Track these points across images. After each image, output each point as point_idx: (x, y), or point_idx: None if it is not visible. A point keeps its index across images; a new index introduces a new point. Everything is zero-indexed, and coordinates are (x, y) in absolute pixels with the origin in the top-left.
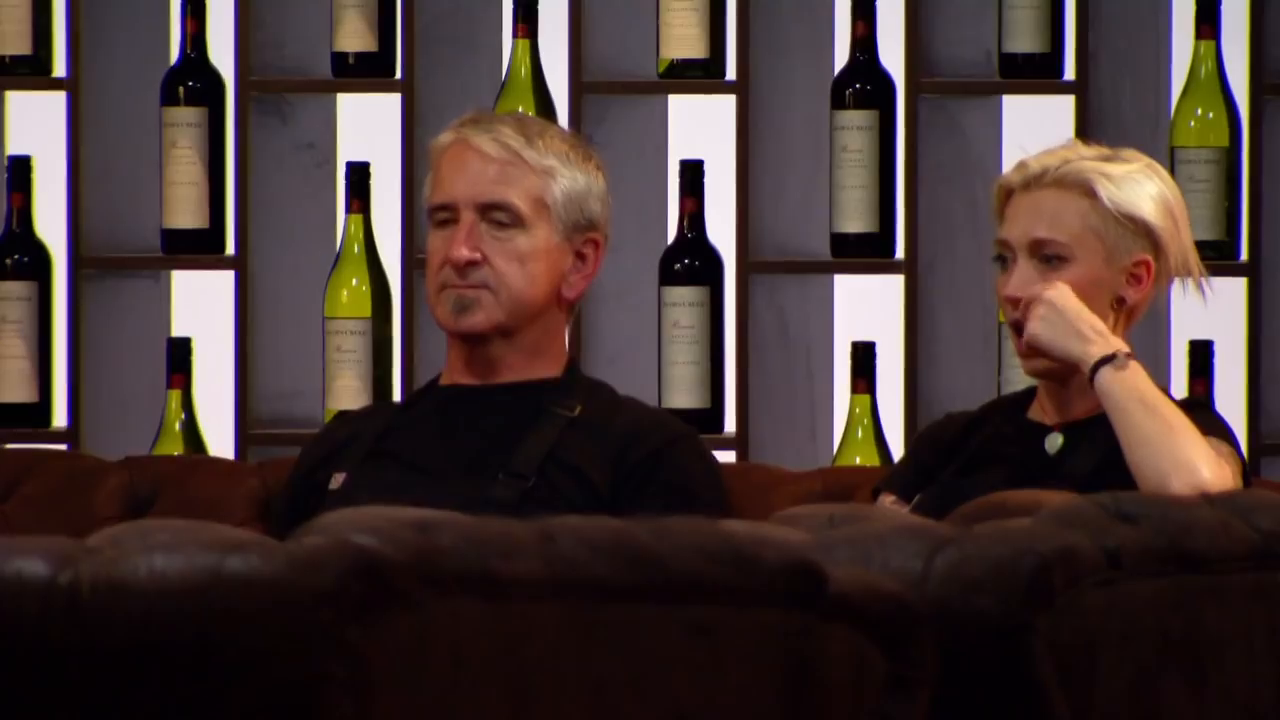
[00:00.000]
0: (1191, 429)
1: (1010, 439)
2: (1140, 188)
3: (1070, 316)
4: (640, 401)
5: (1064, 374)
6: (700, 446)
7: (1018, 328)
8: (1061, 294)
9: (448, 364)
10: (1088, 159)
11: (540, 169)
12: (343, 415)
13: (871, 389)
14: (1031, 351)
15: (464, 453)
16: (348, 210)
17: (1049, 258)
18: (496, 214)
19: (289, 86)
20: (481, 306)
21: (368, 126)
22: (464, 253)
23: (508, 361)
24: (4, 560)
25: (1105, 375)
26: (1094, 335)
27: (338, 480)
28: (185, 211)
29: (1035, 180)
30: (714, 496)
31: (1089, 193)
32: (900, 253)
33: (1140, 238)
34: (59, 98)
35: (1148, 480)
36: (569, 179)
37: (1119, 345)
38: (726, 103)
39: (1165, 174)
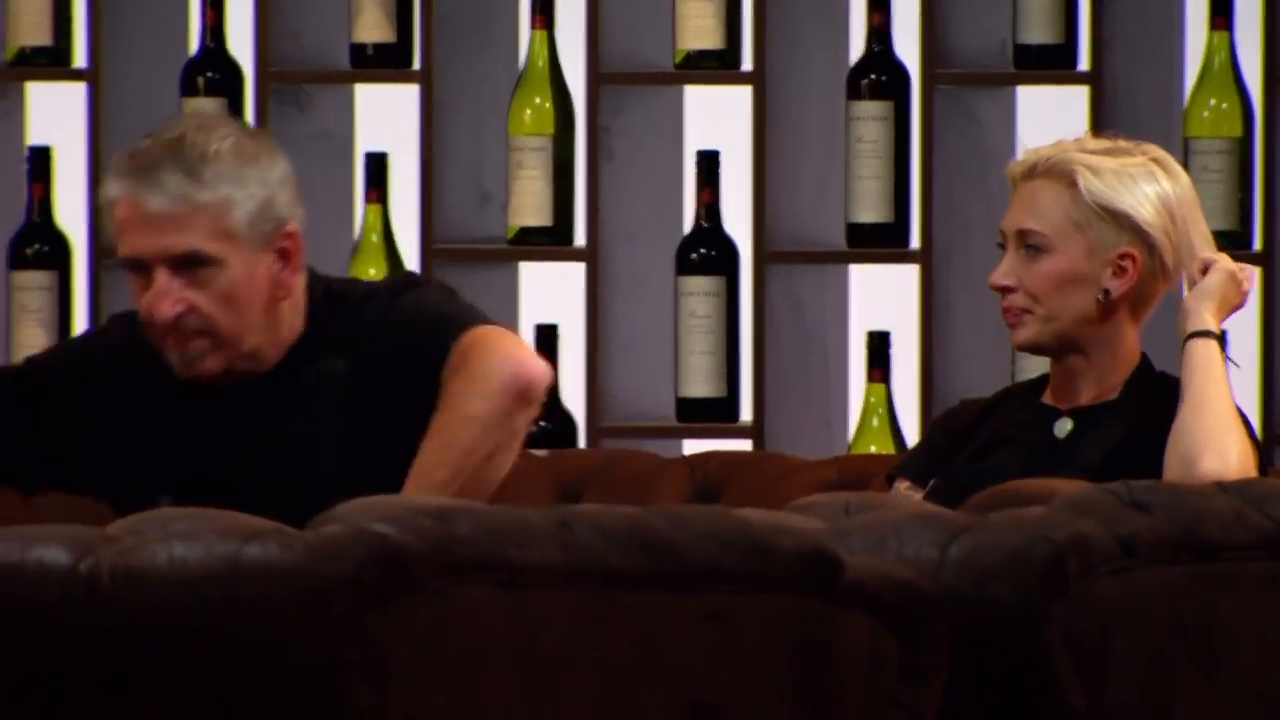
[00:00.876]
0: (1241, 428)
1: (1024, 423)
2: (1132, 182)
3: (1228, 294)
4: (386, 302)
5: (1053, 350)
6: (416, 289)
7: (1007, 314)
8: (1234, 275)
9: None
10: (1082, 151)
11: (216, 204)
12: (93, 370)
13: (887, 378)
14: (1018, 321)
15: (277, 462)
16: (366, 200)
17: (1032, 248)
18: (186, 262)
19: (308, 77)
20: (207, 354)
21: (385, 117)
22: (166, 311)
23: (253, 363)
24: (25, 548)
25: (1208, 343)
26: (1220, 317)
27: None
28: None
29: (1030, 171)
30: (438, 325)
31: (1071, 184)
32: (915, 243)
33: (1124, 231)
34: (79, 88)
35: (1181, 445)
36: (247, 197)
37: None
38: (742, 93)
39: (1175, 169)
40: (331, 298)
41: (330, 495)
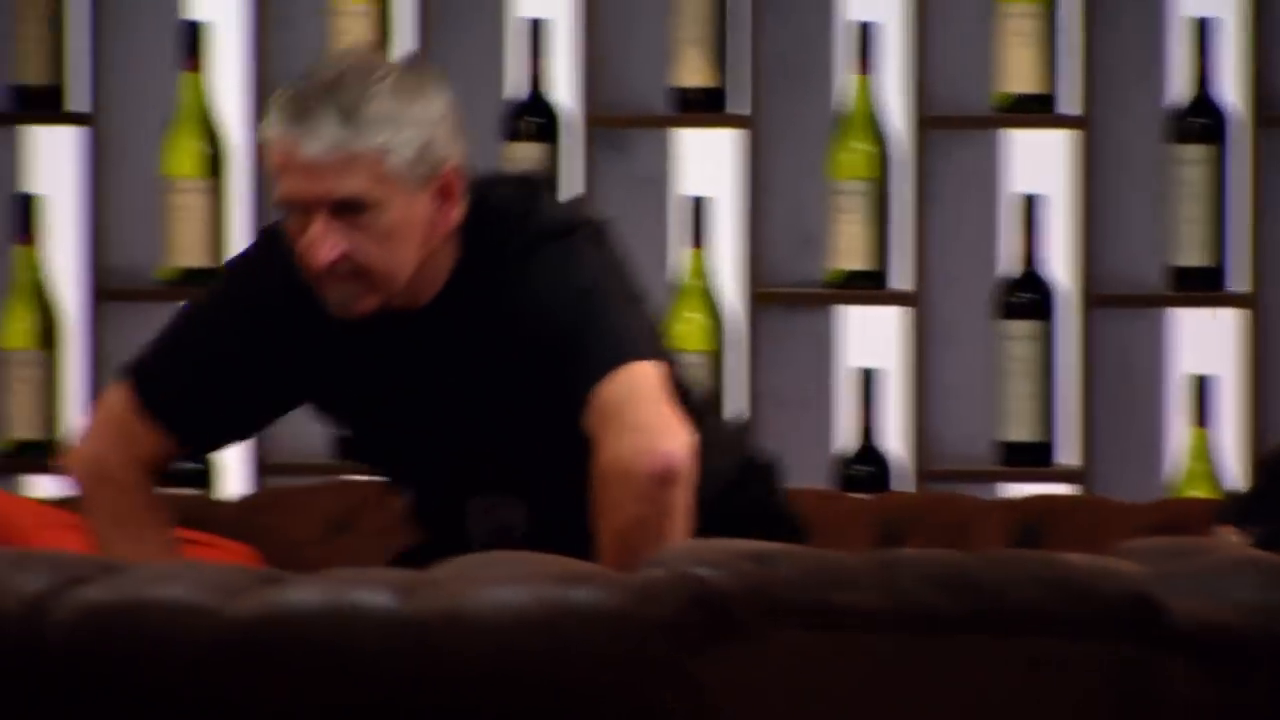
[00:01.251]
0: None
1: None
2: None
3: None
4: (526, 266)
5: None
6: (565, 258)
7: None
8: None
9: None
10: None
11: (374, 151)
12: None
13: (1210, 423)
14: None
15: (422, 399)
16: (693, 244)
17: None
18: (344, 207)
19: (629, 122)
20: (363, 295)
21: (703, 161)
22: (324, 256)
23: (408, 299)
24: (349, 591)
25: None
26: None
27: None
28: None
29: None
30: (584, 348)
31: None
32: (1238, 285)
33: None
34: None
35: None
36: (405, 142)
37: None
38: (1058, 136)
39: None
40: (484, 220)
41: (466, 434)
